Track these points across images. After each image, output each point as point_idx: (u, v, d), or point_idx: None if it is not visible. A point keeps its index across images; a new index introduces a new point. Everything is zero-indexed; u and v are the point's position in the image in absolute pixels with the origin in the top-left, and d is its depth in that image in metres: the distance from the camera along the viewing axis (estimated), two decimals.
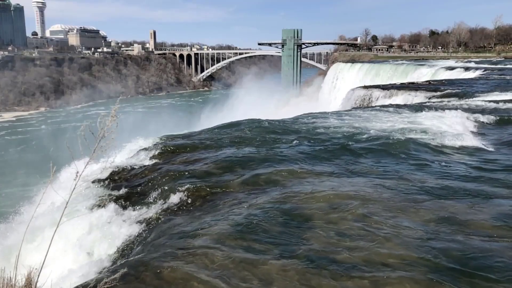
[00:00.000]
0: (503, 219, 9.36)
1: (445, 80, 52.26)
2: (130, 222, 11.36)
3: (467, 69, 65.65)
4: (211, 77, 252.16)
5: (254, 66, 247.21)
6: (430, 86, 43.11)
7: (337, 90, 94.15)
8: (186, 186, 12.70)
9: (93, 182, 14.83)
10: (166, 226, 10.41)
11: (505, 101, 29.14)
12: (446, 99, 32.56)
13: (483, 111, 25.31)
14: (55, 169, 5.57)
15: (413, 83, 51.38)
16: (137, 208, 12.29)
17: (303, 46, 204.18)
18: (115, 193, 13.82)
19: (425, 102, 31.80)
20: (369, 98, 42.07)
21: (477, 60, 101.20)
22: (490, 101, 29.58)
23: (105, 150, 5.40)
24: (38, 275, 5.23)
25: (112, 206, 12.70)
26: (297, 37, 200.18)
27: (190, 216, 10.81)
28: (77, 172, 5.29)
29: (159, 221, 10.99)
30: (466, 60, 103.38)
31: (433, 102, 31.00)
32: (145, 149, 18.13)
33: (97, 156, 5.47)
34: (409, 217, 9.54)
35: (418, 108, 26.56)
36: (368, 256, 7.83)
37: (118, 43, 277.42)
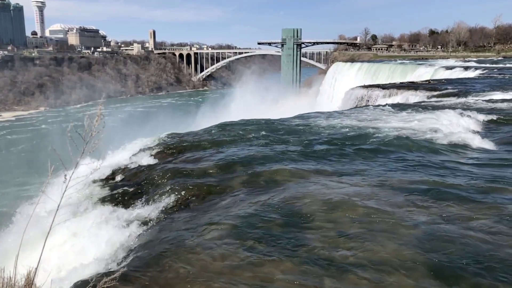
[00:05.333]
0: (504, 218, 9.34)
1: (445, 79, 52.20)
2: (130, 221, 11.35)
3: (466, 68, 65.63)
4: (210, 77, 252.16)
5: (254, 65, 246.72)
6: (430, 85, 43.06)
7: (337, 89, 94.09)
8: (186, 186, 12.69)
9: (93, 181, 14.81)
10: (166, 225, 10.40)
11: (505, 101, 29.15)
12: (446, 99, 32.53)
13: (483, 110, 25.29)
14: (53, 168, 5.54)
15: (413, 82, 51.34)
16: (138, 207, 12.28)
17: (303, 45, 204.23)
18: (116, 192, 13.81)
19: (425, 102, 31.79)
20: (369, 98, 42.06)
21: (476, 59, 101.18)
22: (490, 101, 29.58)
23: (94, 151, 5.36)
24: (35, 273, 5.22)
25: (112, 205, 12.70)
26: (297, 37, 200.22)
27: (190, 215, 10.80)
28: (66, 175, 5.26)
29: (159, 220, 10.98)
30: (465, 59, 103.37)
31: (433, 102, 30.99)
32: (145, 148, 18.12)
33: (92, 154, 5.44)
34: (409, 216, 9.52)
35: (417, 107, 26.54)
36: (368, 256, 7.82)
37: (117, 43, 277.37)
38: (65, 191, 5.33)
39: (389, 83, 51.27)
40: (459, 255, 7.76)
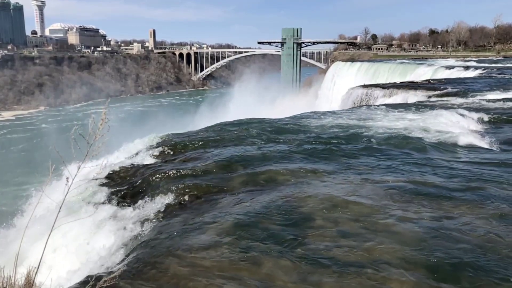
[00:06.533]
0: (503, 218, 9.37)
1: (445, 79, 52.14)
2: (129, 221, 11.37)
3: (466, 68, 65.54)
4: (210, 76, 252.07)
5: (254, 65, 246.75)
6: (430, 85, 43.05)
7: (337, 89, 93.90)
8: (185, 185, 12.71)
9: (92, 182, 14.81)
10: (165, 225, 10.42)
11: (505, 100, 29.16)
12: (446, 98, 32.54)
13: (483, 110, 25.31)
14: (54, 168, 5.56)
15: (413, 82, 51.27)
16: (136, 207, 12.29)
17: (303, 45, 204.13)
18: (114, 192, 13.81)
19: (425, 101, 31.79)
20: (369, 97, 42.04)
21: (476, 59, 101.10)
22: (489, 100, 29.60)
23: (97, 155, 5.35)
24: (36, 273, 5.23)
25: (111, 205, 12.71)
26: (297, 36, 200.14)
27: (190, 215, 10.82)
28: (68, 178, 5.25)
29: (159, 220, 10.99)
30: (465, 59, 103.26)
31: (433, 101, 31.00)
32: (143, 148, 18.13)
33: (94, 157, 5.43)
34: (409, 216, 9.55)
35: (417, 107, 26.56)
36: (368, 255, 7.84)
37: (117, 42, 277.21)
38: (67, 193, 5.33)
39: (389, 83, 51.21)
40: (459, 255, 7.78)
